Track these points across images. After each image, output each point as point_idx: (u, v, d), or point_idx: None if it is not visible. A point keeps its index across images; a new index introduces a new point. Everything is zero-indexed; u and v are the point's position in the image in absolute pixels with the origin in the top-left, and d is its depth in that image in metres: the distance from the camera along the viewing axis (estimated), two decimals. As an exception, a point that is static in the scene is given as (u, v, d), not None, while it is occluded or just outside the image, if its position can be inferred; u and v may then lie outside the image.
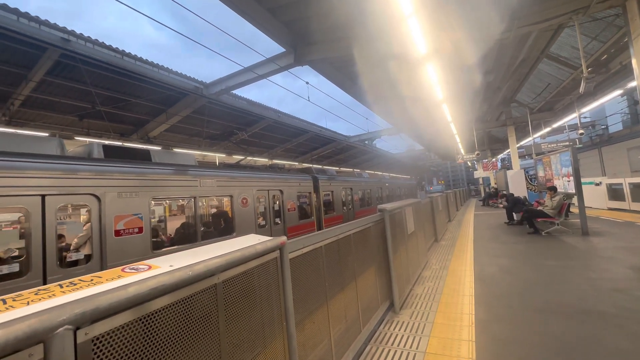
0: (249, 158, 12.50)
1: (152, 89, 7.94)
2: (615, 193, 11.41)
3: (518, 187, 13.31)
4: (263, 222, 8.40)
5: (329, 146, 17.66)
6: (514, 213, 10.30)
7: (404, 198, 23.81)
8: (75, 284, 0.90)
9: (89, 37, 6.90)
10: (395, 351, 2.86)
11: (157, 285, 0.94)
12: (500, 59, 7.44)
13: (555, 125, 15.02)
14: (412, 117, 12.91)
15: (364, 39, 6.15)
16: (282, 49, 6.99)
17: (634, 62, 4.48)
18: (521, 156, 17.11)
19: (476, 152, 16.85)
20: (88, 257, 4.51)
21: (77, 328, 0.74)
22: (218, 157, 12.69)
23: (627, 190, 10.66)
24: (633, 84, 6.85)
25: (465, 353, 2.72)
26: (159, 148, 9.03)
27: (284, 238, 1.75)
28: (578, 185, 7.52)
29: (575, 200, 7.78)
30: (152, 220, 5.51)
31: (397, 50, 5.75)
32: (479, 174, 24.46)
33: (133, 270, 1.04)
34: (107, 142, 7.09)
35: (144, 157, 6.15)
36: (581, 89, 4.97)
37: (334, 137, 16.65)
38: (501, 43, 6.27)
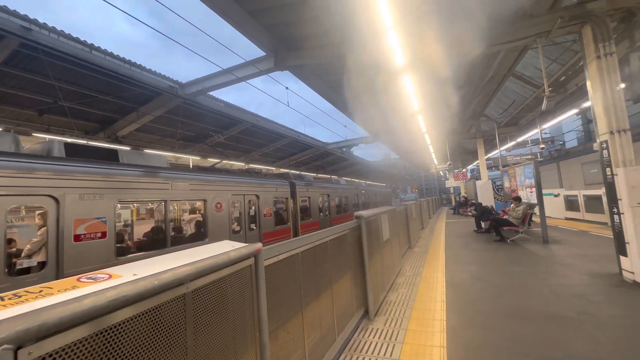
0: (224, 162, 12.19)
1: (122, 86, 7.55)
2: (571, 204, 12.32)
3: (486, 197, 14.01)
4: (238, 228, 8.17)
5: (307, 152, 17.67)
6: (482, 221, 10.78)
7: (380, 205, 24.24)
8: (19, 297, 0.80)
9: (53, 27, 6.45)
10: (370, 359, 2.84)
11: (117, 297, 0.85)
12: (472, 75, 7.87)
13: (519, 140, 16.05)
14: (389, 126, 13.25)
15: (345, 48, 6.25)
16: (262, 53, 6.94)
17: (588, 84, 4.89)
18: (489, 167, 18.06)
19: (448, 163, 17.57)
20: (42, 265, 4.13)
21: (19, 347, 0.65)
22: (192, 159, 12.25)
23: (581, 202, 11.55)
24: (587, 104, 7.48)
25: (437, 359, 2.76)
26: (128, 148, 8.57)
27: (259, 245, 1.69)
28: (539, 196, 8.03)
29: (537, 210, 8.30)
30: (118, 224, 5.17)
31: (377, 61, 5.89)
32: (450, 183, 25.50)
33: (90, 280, 0.94)
34: (69, 139, 6.61)
35: (110, 157, 5.79)
36: (543, 107, 5.34)
37: (313, 143, 16.69)
38: (473, 60, 6.61)
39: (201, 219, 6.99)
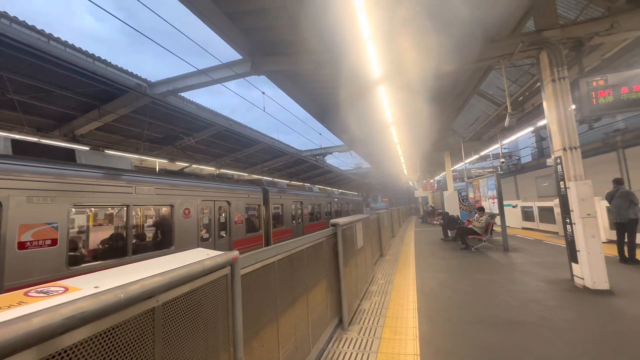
0: (194, 166, 11.69)
1: (84, 82, 7.01)
2: (527, 214, 13.27)
3: (452, 207, 14.70)
4: (206, 235, 7.81)
5: (281, 159, 17.49)
6: (448, 230, 11.26)
7: (351, 213, 24.52)
8: (-53, 316, 0.66)
9: (5, 12, 5.87)
10: (345, 370, 2.79)
11: (74, 314, 0.73)
12: (441, 91, 8.30)
13: (482, 153, 17.13)
14: (364, 136, 13.54)
15: (322, 57, 6.31)
16: (238, 56, 6.81)
17: (544, 104, 5.33)
18: (454, 179, 19.03)
19: (417, 173, 18.26)
20: (-24, 276, 3.63)
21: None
22: (159, 162, 11.62)
23: (536, 213, 12.48)
24: (542, 122, 8.16)
25: (412, 368, 2.77)
26: (87, 148, 7.93)
27: (235, 253, 1.59)
28: (501, 206, 8.56)
29: (498, 219, 8.82)
30: (71, 230, 4.71)
31: (353, 71, 6.01)
32: (419, 193, 26.49)
33: (41, 295, 0.81)
34: (18, 136, 5.98)
35: (66, 157, 5.31)
36: (506, 123, 5.74)
37: (287, 150, 16.57)
38: (443, 77, 6.98)
39: (167, 225, 6.58)
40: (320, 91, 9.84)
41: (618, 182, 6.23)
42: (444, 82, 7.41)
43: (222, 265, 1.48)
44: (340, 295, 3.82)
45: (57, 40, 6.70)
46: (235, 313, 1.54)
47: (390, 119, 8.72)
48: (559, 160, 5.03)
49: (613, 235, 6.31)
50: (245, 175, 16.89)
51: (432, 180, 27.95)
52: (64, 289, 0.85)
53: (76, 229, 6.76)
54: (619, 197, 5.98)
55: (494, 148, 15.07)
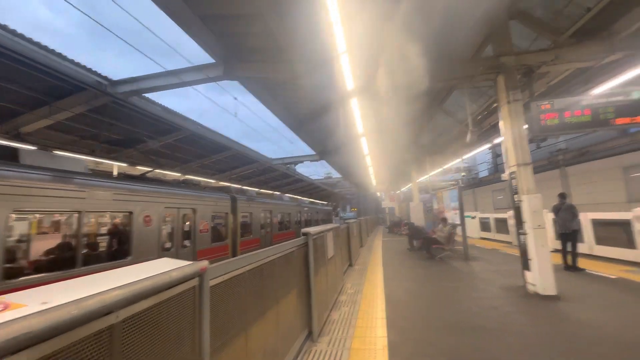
0: (157, 171, 11.05)
1: (34, 75, 6.39)
2: (484, 225, 14.18)
3: (418, 218, 15.29)
4: (169, 245, 7.35)
5: (251, 166, 17.12)
6: (414, 240, 11.65)
7: (321, 223, 24.55)
8: None
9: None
10: (314, 384, 2.71)
11: (18, 334, 0.63)
12: (409, 105, 8.72)
13: (445, 167, 18.14)
14: (335, 147, 13.74)
15: (297, 67, 6.35)
16: (211, 59, 6.64)
17: (501, 123, 5.80)
18: (421, 190, 19.88)
19: (385, 184, 18.82)
20: None
21: None
22: (118, 166, 10.82)
23: (492, 223, 13.38)
24: (498, 140, 8.84)
25: (381, 378, 2.77)
26: (34, 148, 7.19)
27: (204, 263, 1.50)
28: (462, 218, 9.05)
29: (459, 230, 9.31)
30: (9, 239, 4.19)
31: (328, 83, 6.11)
32: (387, 204, 27.28)
33: (-26, 313, 0.69)
34: (-52, 131, 5.26)
35: (8, 157, 4.76)
36: (468, 139, 6.15)
37: (257, 157, 16.27)
38: (412, 92, 7.34)
39: (124, 234, 6.10)
40: (295, 100, 9.87)
41: (562, 196, 6.90)
42: (412, 98, 7.79)
43: (191, 277, 1.39)
44: (310, 306, 3.76)
45: (5, 28, 6.08)
46: (202, 327, 1.44)
47: (361, 130, 8.96)
48: (513, 175, 5.45)
49: (558, 245, 6.92)
50: (212, 182, 16.29)
51: (399, 192, 28.95)
52: (4, 306, 0.73)
53: (16, 238, 6.02)
54: (564, 210, 6.61)
55: (456, 162, 16.03)
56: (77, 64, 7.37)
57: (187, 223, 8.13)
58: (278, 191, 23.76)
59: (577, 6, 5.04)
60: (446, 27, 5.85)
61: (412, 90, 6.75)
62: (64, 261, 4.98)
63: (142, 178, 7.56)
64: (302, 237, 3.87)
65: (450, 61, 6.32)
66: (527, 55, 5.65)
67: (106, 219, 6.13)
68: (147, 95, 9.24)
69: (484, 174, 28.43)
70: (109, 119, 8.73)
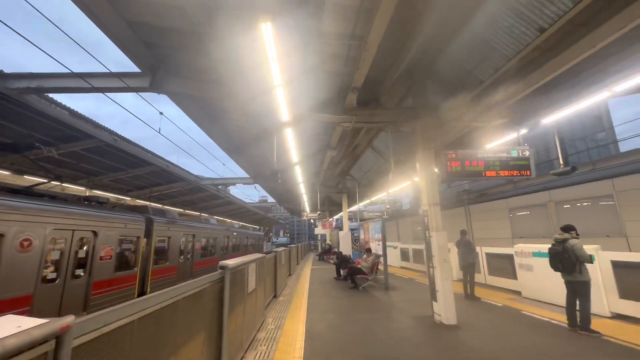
0: (54, 183, 9.26)
1: None
2: (404, 255, 15.36)
3: (346, 247, 15.79)
4: (53, 275, 6.04)
5: (176, 185, 15.69)
6: (341, 269, 11.90)
7: (250, 248, 23.45)
8: None
9: None
10: None
11: None
12: (342, 141, 9.28)
13: (373, 198, 19.46)
14: (270, 172, 13.59)
15: (232, 89, 6.25)
16: (137, 69, 6.09)
17: (417, 165, 6.52)
18: (350, 219, 20.78)
19: (318, 212, 19.20)
20: None
21: None
22: (-4, 174, 8.77)
23: (411, 254, 14.58)
24: (416, 178, 9.89)
25: None
26: None
27: (68, 319, 1.23)
28: (384, 248, 9.65)
29: (382, 259, 9.87)
30: None
31: (264, 111, 6.12)
32: (319, 230, 27.70)
33: None
34: None
35: None
36: (390, 177, 6.72)
37: (184, 176, 15.00)
38: (343, 130, 7.83)
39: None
40: (234, 125, 9.61)
41: (463, 233, 7.96)
42: (344, 134, 8.30)
43: (41, 341, 1.10)
44: (220, 349, 3.41)
45: None
46: (51, 406, 1.14)
47: (296, 159, 9.10)
48: (425, 213, 6.09)
49: (461, 275, 7.84)
50: (127, 199, 14.36)
51: (331, 219, 29.76)
52: None
53: None
54: (463, 246, 7.60)
55: (382, 194, 17.36)
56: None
57: (84, 248, 6.87)
58: (206, 213, 22.13)
59: (474, 78, 6.17)
60: (374, 75, 6.52)
61: (345, 126, 7.21)
62: None
63: (26, 192, 6.21)
64: (219, 271, 3.58)
65: (378, 106, 7.01)
66: (438, 111, 6.59)
67: (-39, 242, 4.78)
68: (53, 96, 7.93)
69: (406, 206, 31.36)
70: (-8, 117, 7.17)
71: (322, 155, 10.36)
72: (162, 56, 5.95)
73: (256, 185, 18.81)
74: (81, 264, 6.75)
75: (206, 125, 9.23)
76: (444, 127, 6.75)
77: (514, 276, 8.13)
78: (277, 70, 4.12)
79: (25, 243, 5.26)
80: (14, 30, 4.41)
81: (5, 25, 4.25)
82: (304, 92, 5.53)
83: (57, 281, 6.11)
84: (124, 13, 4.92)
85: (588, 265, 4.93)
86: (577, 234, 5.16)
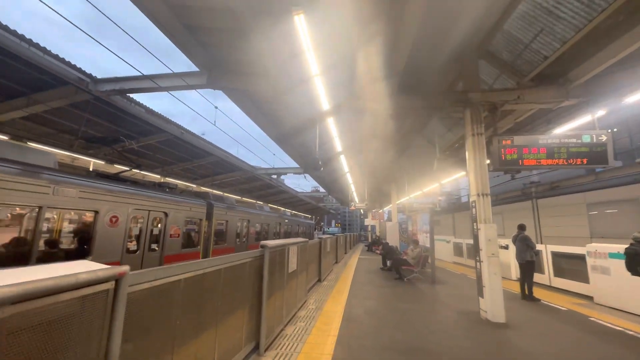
0: (135, 171, 10.91)
1: (12, 65, 6.38)
2: (458, 250, 14.48)
3: (393, 238, 15.51)
4: (134, 247, 7.22)
5: (234, 174, 17.11)
6: (387, 260, 11.78)
7: (301, 236, 24.43)
8: None
9: None
10: (246, 397, 2.73)
11: None
12: (387, 129, 9.07)
13: (425, 190, 18.58)
14: (316, 162, 13.94)
15: (280, 83, 6.57)
16: (196, 69, 6.79)
17: (466, 154, 6.10)
18: (400, 211, 20.22)
19: (365, 202, 19.09)
20: None
21: None
22: (94, 163, 10.66)
23: (464, 248, 13.69)
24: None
25: (314, 394, 2.81)
26: (5, 138, 7.08)
27: (124, 268, 1.57)
28: (431, 241, 9.28)
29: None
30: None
31: (305, 100, 6.33)
32: (369, 222, 27.52)
33: None
34: None
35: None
36: (435, 167, 6.42)
37: (241, 165, 16.29)
38: (388, 117, 7.67)
39: (87, 232, 5.99)
40: (279, 114, 10.09)
41: (521, 227, 7.22)
42: (388, 122, 8.11)
43: (104, 280, 1.45)
44: (260, 320, 3.78)
45: (-12, 17, 6.07)
46: (112, 334, 1.49)
47: (339, 148, 9.19)
48: (473, 204, 5.72)
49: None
50: (193, 186, 16.13)
51: (381, 210, 29.29)
52: None
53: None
54: (519, 241, 6.92)
55: (434, 186, 16.48)
56: (61, 60, 7.37)
57: (157, 227, 8.03)
58: (261, 201, 23.66)
59: (536, 53, 5.49)
60: (421, 61, 6.24)
61: (389, 114, 7.05)
62: (16, 256, 4.85)
63: (114, 177, 7.47)
64: (260, 249, 3.94)
65: (425, 92, 6.68)
66: (491, 93, 6.04)
67: (69, 215, 6.02)
68: (133, 96, 9.28)
69: (465, 199, 29.16)
70: (90, 115, 8.69)
71: (367, 145, 10.27)
72: (215, 55, 6.53)
73: (306, 175, 19.41)
74: (155, 239, 7.92)
75: (259, 119, 9.84)
76: (497, 111, 6.15)
77: (585, 279, 7.16)
78: (314, 61, 4.24)
79: (114, 219, 6.39)
80: (100, 43, 5.31)
81: (91, 37, 5.15)
82: (340, 81, 5.58)
83: (137, 252, 7.29)
84: (182, 18, 5.54)
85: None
86: (665, 233, 4.36)
